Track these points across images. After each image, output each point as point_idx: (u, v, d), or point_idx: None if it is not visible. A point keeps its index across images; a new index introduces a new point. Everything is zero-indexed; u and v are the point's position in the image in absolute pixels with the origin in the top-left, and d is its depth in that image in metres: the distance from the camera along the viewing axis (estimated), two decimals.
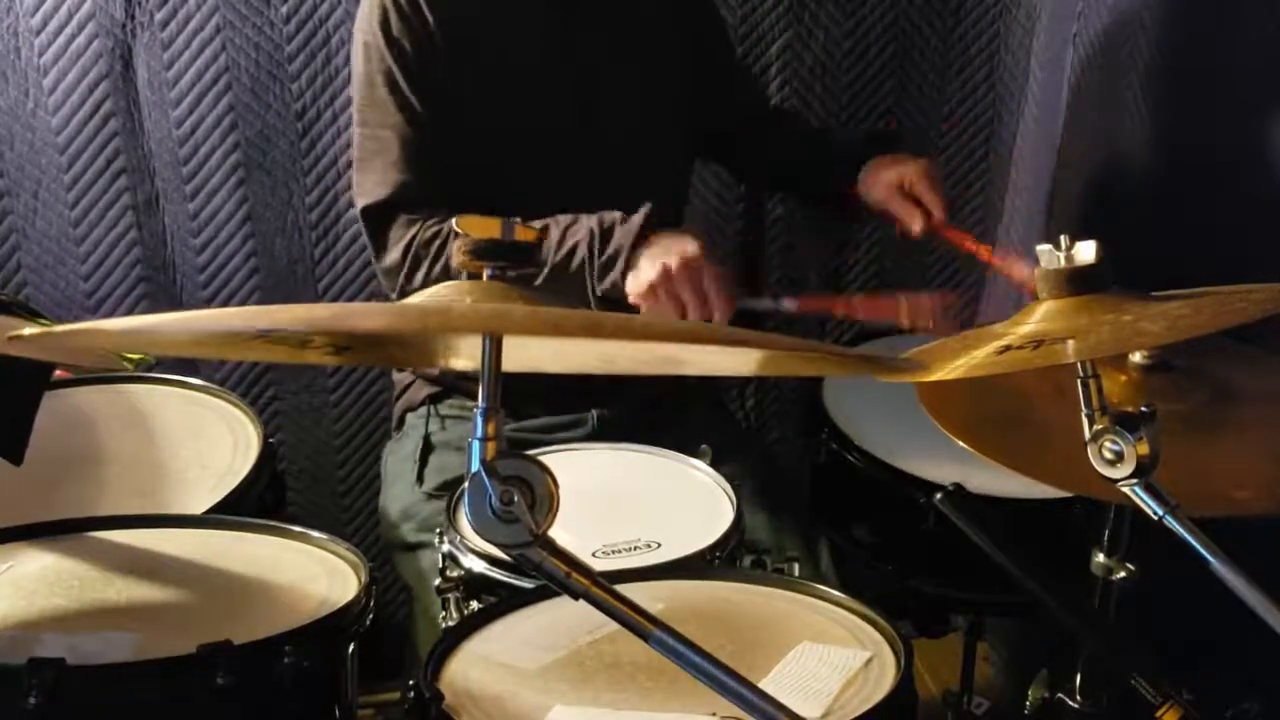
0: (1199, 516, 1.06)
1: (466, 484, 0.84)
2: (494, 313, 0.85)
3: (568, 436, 1.78)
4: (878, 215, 1.84)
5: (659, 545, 1.46)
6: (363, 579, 1.19)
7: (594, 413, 1.82)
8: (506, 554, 0.85)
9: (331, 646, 1.11)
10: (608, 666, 1.21)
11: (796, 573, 1.44)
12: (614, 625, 0.86)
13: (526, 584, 1.37)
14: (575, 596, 0.85)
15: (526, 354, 0.94)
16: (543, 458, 0.86)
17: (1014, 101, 2.38)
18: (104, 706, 1.01)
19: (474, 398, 1.01)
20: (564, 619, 1.28)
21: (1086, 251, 1.09)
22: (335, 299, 2.17)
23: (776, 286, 1.60)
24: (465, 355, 1.01)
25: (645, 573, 1.39)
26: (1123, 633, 1.39)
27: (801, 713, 0.88)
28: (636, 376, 1.03)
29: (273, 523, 1.33)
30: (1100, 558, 1.40)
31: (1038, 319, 1.09)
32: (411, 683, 1.17)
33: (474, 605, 1.41)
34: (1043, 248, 1.11)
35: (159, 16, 1.99)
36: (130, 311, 2.12)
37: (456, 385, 1.85)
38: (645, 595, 1.26)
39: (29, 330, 0.89)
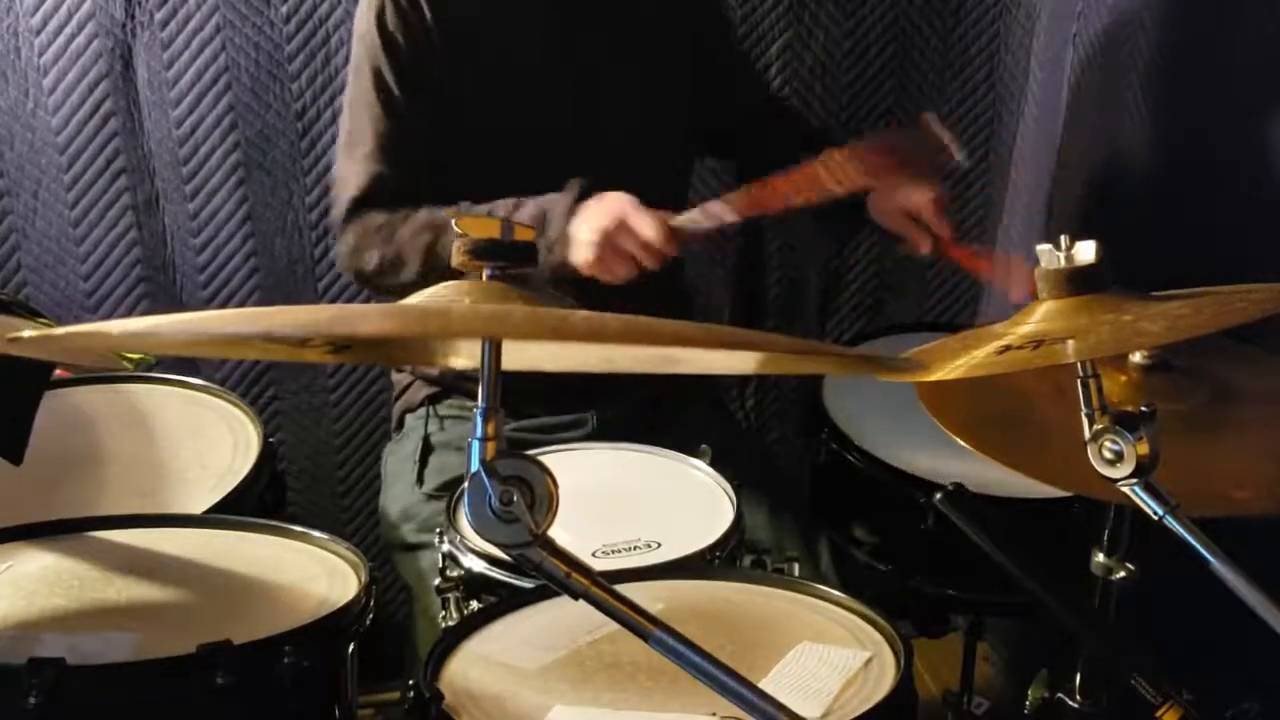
0: (1199, 516, 1.06)
1: (466, 484, 0.84)
2: (494, 315, 0.85)
3: (568, 436, 1.78)
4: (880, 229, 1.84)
5: (659, 545, 1.46)
6: (363, 579, 1.19)
7: (594, 413, 1.82)
8: (506, 554, 0.85)
9: (331, 646, 1.11)
10: (608, 666, 1.21)
11: (796, 573, 1.44)
12: (614, 625, 0.86)
13: (526, 584, 1.37)
14: (575, 596, 0.85)
15: (526, 354, 0.94)
16: (543, 458, 0.86)
17: (1014, 101, 2.38)
18: (104, 706, 1.01)
19: (473, 398, 1.01)
20: (564, 619, 1.28)
21: (1086, 251, 1.09)
22: (335, 299, 2.17)
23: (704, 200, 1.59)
24: (465, 354, 1.01)
25: (645, 573, 1.39)
26: (1123, 633, 1.39)
27: (801, 713, 0.88)
28: (636, 376, 1.03)
29: (273, 523, 1.34)
30: (1100, 558, 1.39)
31: (1038, 319, 1.10)
32: (411, 683, 1.17)
33: (474, 605, 1.41)
34: (1043, 248, 1.11)
35: (159, 16, 1.99)
36: (130, 311, 2.12)
37: (456, 385, 1.85)
38: (645, 595, 1.26)
39: (29, 332, 0.89)
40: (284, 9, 2.03)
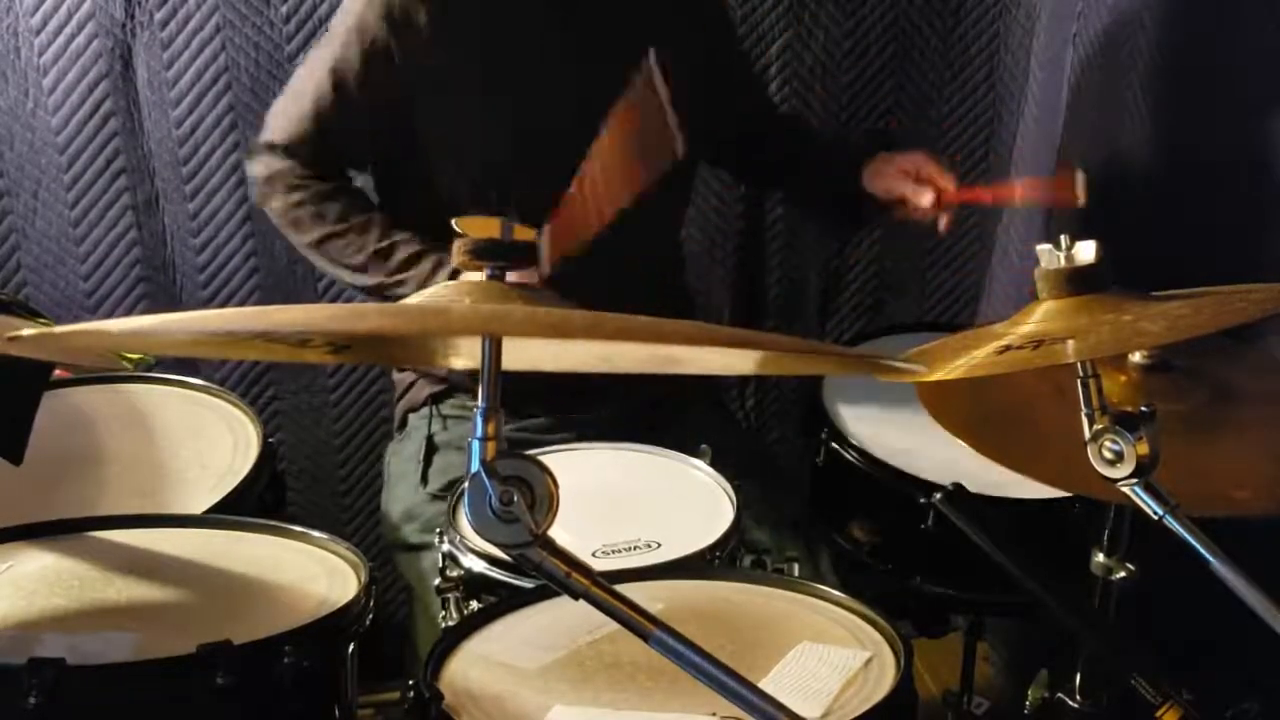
0: (1199, 516, 1.06)
1: (466, 484, 0.84)
2: (493, 314, 0.85)
3: (568, 436, 1.78)
4: (881, 208, 1.84)
5: (659, 545, 1.46)
6: (363, 579, 1.19)
7: (594, 413, 1.82)
8: (506, 554, 0.85)
9: (331, 646, 1.11)
10: (608, 666, 1.21)
11: (796, 573, 1.44)
12: (614, 625, 0.86)
13: (526, 584, 1.37)
14: (575, 596, 0.85)
15: (526, 354, 0.94)
16: (543, 458, 0.86)
17: (1014, 101, 2.38)
18: (104, 706, 1.01)
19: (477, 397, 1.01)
20: (564, 619, 1.28)
21: (1086, 251, 1.09)
22: (335, 299, 2.17)
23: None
24: (465, 354, 1.01)
25: (645, 573, 1.39)
26: (1123, 633, 1.39)
27: (801, 713, 0.88)
28: (636, 376, 1.03)
29: (273, 523, 1.33)
30: (1100, 558, 1.39)
31: (1038, 319, 1.10)
32: (411, 683, 1.17)
33: (474, 605, 1.41)
34: (1043, 248, 1.11)
35: (159, 16, 1.99)
36: (130, 311, 2.12)
37: (460, 384, 1.85)
38: (645, 595, 1.26)
39: (29, 330, 0.89)
40: (284, 9, 2.03)
